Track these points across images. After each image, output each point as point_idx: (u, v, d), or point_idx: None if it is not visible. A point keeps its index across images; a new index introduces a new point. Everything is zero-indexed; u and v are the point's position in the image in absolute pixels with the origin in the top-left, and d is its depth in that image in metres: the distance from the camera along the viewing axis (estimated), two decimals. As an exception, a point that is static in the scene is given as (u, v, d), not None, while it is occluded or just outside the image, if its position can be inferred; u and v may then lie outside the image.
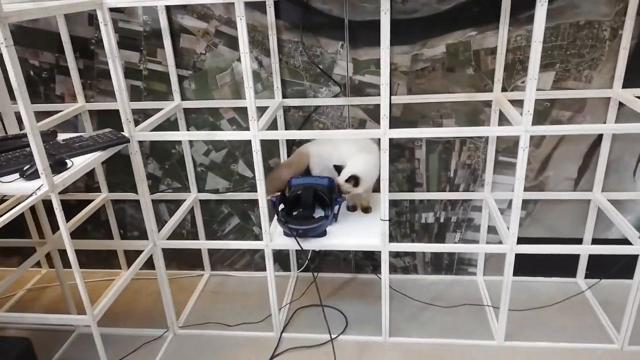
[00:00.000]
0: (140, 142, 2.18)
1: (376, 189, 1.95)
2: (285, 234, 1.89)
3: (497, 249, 1.84)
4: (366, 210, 2.00)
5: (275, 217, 1.90)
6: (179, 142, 2.21)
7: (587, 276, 2.26)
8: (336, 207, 1.91)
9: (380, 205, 1.73)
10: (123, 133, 1.70)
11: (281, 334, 2.04)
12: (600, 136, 2.00)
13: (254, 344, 2.01)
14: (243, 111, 2.13)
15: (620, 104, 1.91)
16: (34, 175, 1.34)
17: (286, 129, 2.13)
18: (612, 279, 2.22)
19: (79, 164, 1.47)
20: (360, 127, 2.10)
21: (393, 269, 2.38)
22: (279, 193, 1.93)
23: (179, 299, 2.26)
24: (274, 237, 1.89)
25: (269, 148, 2.17)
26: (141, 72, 2.10)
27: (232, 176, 2.27)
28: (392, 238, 2.31)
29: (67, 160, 1.44)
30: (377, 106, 2.05)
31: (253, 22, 1.95)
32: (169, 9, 1.96)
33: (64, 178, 1.38)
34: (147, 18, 1.99)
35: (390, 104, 1.65)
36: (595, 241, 2.17)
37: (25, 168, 1.36)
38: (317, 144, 2.01)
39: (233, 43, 2.01)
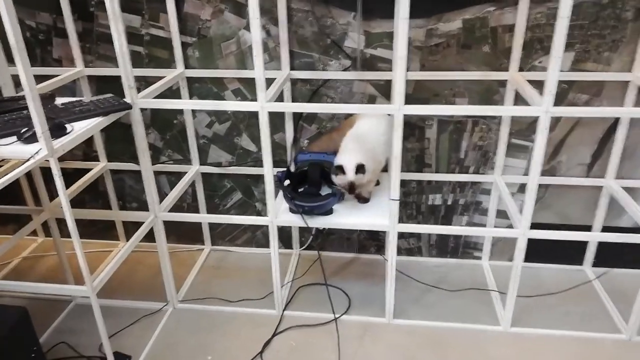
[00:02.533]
0: (142, 111, 2.11)
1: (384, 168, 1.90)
2: (291, 210, 1.84)
3: (508, 233, 1.80)
4: (364, 199, 1.90)
5: (281, 193, 1.84)
6: (181, 113, 2.14)
7: (595, 264, 2.23)
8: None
9: (389, 185, 1.68)
10: (125, 99, 1.63)
11: (283, 311, 2.00)
12: (616, 121, 1.94)
13: (255, 320, 1.97)
14: (248, 82, 2.05)
15: (640, 88, 1.85)
16: (32, 138, 1.27)
17: (293, 101, 2.06)
18: (622, 268, 2.19)
19: (79, 129, 1.40)
20: (370, 103, 2.03)
21: (397, 251, 2.33)
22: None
23: (179, 273, 2.21)
24: (278, 213, 1.84)
25: (274, 122, 2.10)
26: (142, 37, 2.01)
27: (236, 150, 2.21)
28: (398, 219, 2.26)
29: (66, 125, 1.37)
30: (388, 82, 1.99)
31: (263, -11, 1.87)
32: (174, -30, 1.87)
33: (63, 143, 1.32)
34: (152, -20, 1.90)
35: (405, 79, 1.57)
36: (605, 229, 2.13)
37: (22, 131, 1.29)
38: (365, 118, 1.87)
39: (240, 10, 1.92)
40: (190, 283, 2.20)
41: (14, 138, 1.31)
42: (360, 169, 1.70)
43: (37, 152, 1.24)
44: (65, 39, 2.00)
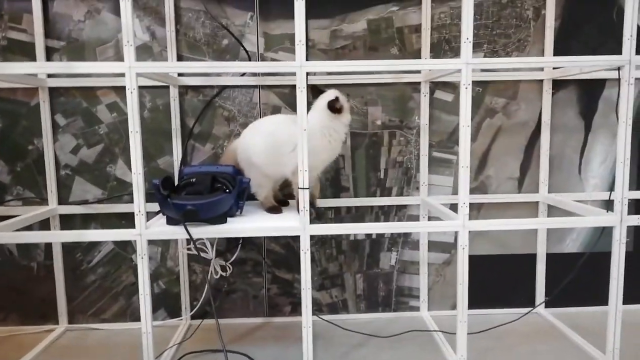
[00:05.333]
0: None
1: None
2: (169, 221, 1.38)
3: (446, 227, 1.44)
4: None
5: (156, 199, 1.39)
6: (39, 136, 1.71)
7: (548, 305, 1.88)
8: (241, 195, 1.45)
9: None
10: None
11: (156, 381, 1.39)
12: (538, 127, 1.81)
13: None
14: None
15: (555, 88, 1.78)
16: None
17: (182, 116, 1.74)
18: (576, 306, 1.87)
19: None
20: (275, 114, 1.75)
21: (317, 307, 1.85)
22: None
23: (11, 357, 1.55)
24: (152, 226, 1.37)
25: (158, 142, 1.74)
26: (-3, 42, 1.68)
27: (108, 182, 1.76)
28: (315, 262, 1.83)
29: None
30: (293, 89, 1.76)
31: (146, -16, 1.67)
32: (41, -38, 1.64)
33: None
34: (13, -25, 1.65)
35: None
36: (550, 257, 1.85)
37: None
38: (249, 134, 1.55)
39: (119, 9, 1.68)
40: (24, 364, 1.53)
41: None
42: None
43: None
44: None
